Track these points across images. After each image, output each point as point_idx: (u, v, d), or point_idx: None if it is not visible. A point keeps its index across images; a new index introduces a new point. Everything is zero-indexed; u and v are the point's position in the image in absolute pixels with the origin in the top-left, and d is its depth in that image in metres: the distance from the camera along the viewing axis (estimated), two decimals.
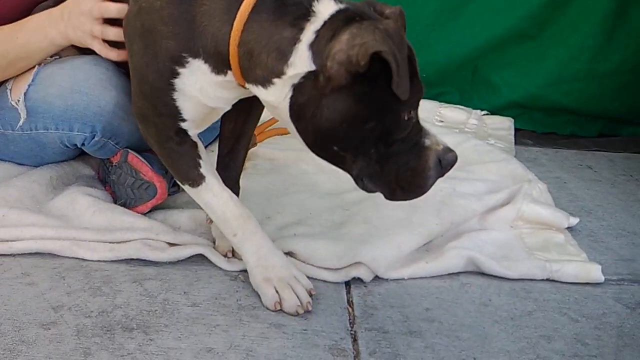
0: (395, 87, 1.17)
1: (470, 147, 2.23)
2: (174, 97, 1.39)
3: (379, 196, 1.82)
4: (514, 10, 2.64)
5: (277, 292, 1.41)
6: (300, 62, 1.24)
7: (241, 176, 1.93)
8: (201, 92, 1.38)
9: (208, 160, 1.51)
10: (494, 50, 2.72)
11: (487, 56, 2.74)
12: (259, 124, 2.26)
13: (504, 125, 2.68)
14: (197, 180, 1.47)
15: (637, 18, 2.62)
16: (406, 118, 1.27)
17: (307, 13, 1.26)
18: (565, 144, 2.66)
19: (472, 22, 2.67)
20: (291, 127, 1.33)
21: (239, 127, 1.66)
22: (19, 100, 1.63)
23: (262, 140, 2.22)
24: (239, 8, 1.28)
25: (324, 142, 1.30)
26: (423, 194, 1.34)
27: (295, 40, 1.24)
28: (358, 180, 1.36)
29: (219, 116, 1.54)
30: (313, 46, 1.23)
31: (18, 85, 1.66)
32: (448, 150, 1.32)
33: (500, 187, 1.94)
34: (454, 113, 2.70)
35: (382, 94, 1.21)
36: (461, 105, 2.79)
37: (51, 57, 1.72)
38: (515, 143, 2.56)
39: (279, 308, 1.40)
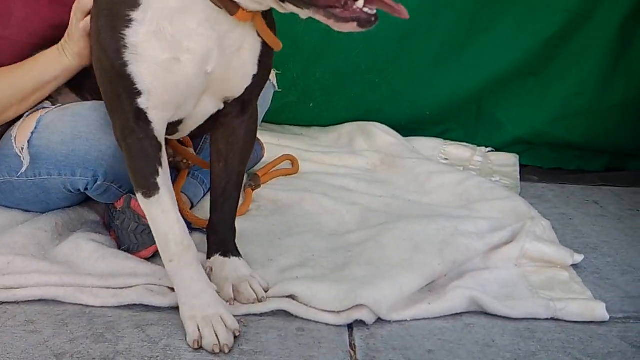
0: None
1: (473, 185, 2.23)
2: (126, 60, 1.36)
3: (381, 236, 1.85)
4: (516, 47, 2.65)
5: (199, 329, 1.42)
6: None
7: (245, 218, 1.96)
8: (157, 36, 1.34)
9: (167, 171, 1.47)
10: (497, 87, 2.74)
11: (490, 93, 2.75)
12: (262, 165, 2.32)
13: (509, 161, 2.69)
14: (150, 190, 1.44)
15: (639, 53, 2.63)
16: None
17: None
18: (571, 180, 2.65)
19: (475, 59, 2.69)
20: None
21: (230, 165, 1.64)
22: (22, 148, 1.67)
23: (266, 182, 2.24)
24: None
25: None
26: None
27: None
28: None
29: (190, 103, 1.48)
30: None
31: (22, 133, 1.70)
32: None
33: (504, 225, 1.94)
34: (459, 150, 2.71)
35: None
36: (466, 142, 2.81)
37: (52, 104, 1.77)
38: (521, 179, 2.56)
39: (197, 346, 1.40)
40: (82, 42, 1.63)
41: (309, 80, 2.71)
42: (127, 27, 1.35)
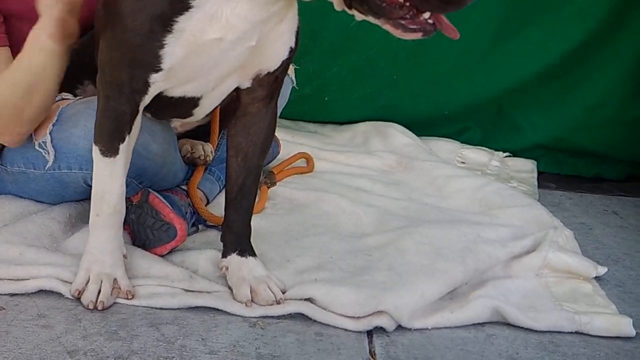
0: None
1: (493, 191, 2.19)
2: (164, 42, 1.33)
3: (401, 241, 1.80)
4: (543, 53, 2.62)
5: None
6: None
7: (260, 217, 1.92)
8: (212, 19, 1.32)
9: (134, 138, 1.48)
10: (520, 90, 2.71)
11: (512, 96, 2.73)
12: (277, 162, 2.28)
13: (527, 167, 2.65)
14: (110, 151, 1.44)
15: None
16: None
17: None
18: (589, 188, 2.62)
19: (499, 63, 2.66)
20: None
21: (249, 159, 1.60)
22: (44, 142, 1.62)
23: (281, 179, 2.20)
24: None
25: None
26: (465, 4, 1.26)
27: None
28: None
29: (212, 81, 1.47)
30: None
31: (42, 125, 1.65)
32: None
33: (525, 234, 1.90)
34: (476, 154, 2.67)
35: None
36: (484, 144, 2.77)
37: (74, 96, 1.73)
38: (539, 186, 2.52)
39: (77, 296, 1.46)
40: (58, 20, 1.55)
41: (325, 75, 2.68)
42: (181, 13, 1.32)
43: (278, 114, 1.81)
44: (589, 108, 2.65)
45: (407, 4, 1.26)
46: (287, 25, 1.47)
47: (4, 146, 1.73)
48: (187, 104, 1.56)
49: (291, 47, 1.51)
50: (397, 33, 1.30)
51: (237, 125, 1.61)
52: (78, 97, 1.72)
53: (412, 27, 1.28)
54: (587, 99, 2.65)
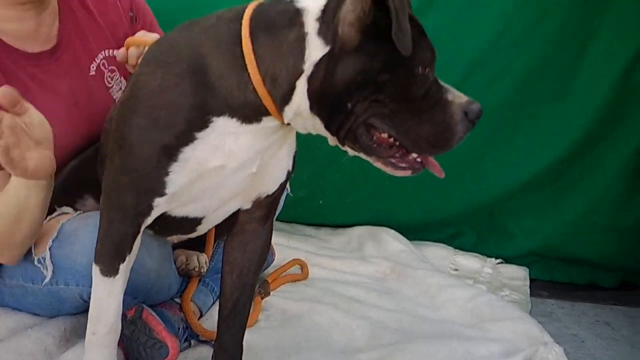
0: (394, 35, 1.19)
1: (484, 302, 2.21)
2: (169, 170, 1.37)
3: (392, 357, 1.81)
4: (532, 161, 2.69)
5: None
6: (315, 50, 1.27)
7: (253, 330, 1.93)
8: (215, 149, 1.37)
9: (133, 256, 1.49)
10: (509, 197, 2.76)
11: (503, 203, 2.78)
12: (272, 269, 2.31)
13: (519, 275, 2.68)
14: (110, 271, 1.45)
15: None
16: (421, 73, 1.27)
17: (296, 11, 1.30)
18: (582, 297, 2.63)
19: (489, 170, 2.72)
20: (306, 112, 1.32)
21: (244, 276, 1.62)
22: (44, 258, 1.66)
23: (275, 288, 2.23)
24: (242, 54, 1.31)
25: (333, 99, 1.29)
26: (450, 148, 1.32)
27: (302, 35, 1.28)
28: (358, 127, 1.30)
29: (215, 203, 1.50)
30: (321, 31, 1.27)
31: (42, 240, 1.68)
32: (472, 102, 1.31)
33: (516, 349, 1.91)
34: (469, 261, 2.71)
35: (391, 49, 1.22)
36: (477, 249, 2.81)
37: (75, 210, 1.78)
38: (531, 294, 2.54)
39: None
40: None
41: (319, 180, 2.73)
42: (186, 144, 1.37)
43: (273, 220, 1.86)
44: (579, 215, 2.70)
45: (397, 144, 1.32)
46: (286, 151, 1.53)
47: None
48: (190, 223, 1.58)
49: (289, 170, 1.56)
50: (388, 170, 1.35)
51: (234, 241, 1.64)
52: (78, 212, 1.77)
53: (401, 165, 1.33)
54: (578, 206, 2.70)
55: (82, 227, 1.67)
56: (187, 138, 1.37)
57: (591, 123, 2.61)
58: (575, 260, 2.75)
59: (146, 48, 1.63)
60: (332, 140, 1.38)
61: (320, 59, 1.27)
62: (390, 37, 1.21)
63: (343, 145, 1.37)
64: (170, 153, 1.37)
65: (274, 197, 1.58)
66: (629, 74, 2.54)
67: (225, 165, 1.41)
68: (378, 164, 1.35)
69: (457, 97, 1.30)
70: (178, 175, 1.39)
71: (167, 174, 1.38)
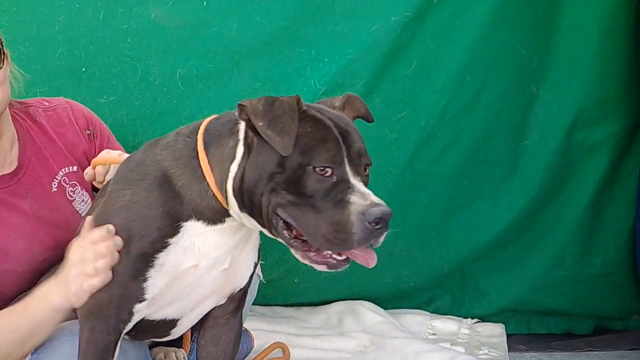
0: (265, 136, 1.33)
1: None
2: (147, 276, 1.47)
3: None
4: (492, 224, 2.79)
5: None
6: (239, 154, 1.42)
7: None
8: (186, 251, 1.48)
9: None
10: (477, 258, 2.85)
11: (472, 264, 2.86)
12: (253, 355, 2.36)
13: (496, 332, 2.74)
14: None
15: (612, 221, 2.76)
16: (317, 172, 1.35)
17: (235, 121, 1.45)
18: (558, 346, 2.70)
19: (453, 238, 2.81)
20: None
21: None
22: None
23: None
24: (199, 165, 1.46)
25: (248, 195, 1.40)
26: (349, 249, 1.35)
27: (237, 142, 1.43)
28: (272, 216, 1.39)
29: (191, 302, 1.58)
30: (246, 136, 1.42)
31: None
32: (374, 204, 1.33)
33: None
34: (445, 324, 2.77)
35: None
36: (454, 311, 2.88)
37: None
38: (509, 350, 2.60)
39: None
40: (80, 292, 1.54)
41: (291, 259, 2.76)
42: (161, 250, 1.48)
43: (248, 308, 1.94)
44: (545, 269, 2.78)
45: None
46: (252, 245, 1.64)
47: None
48: (166, 326, 1.66)
49: (255, 262, 1.67)
50: (307, 262, 1.42)
51: (206, 336, 1.72)
52: None
53: (317, 260, 1.41)
54: (543, 261, 2.79)
55: (57, 337, 1.70)
56: (160, 245, 1.49)
57: (544, 182, 2.73)
58: (550, 312, 2.83)
59: (111, 166, 1.78)
60: (268, 233, 1.47)
61: (240, 161, 1.41)
62: None
63: (275, 237, 1.46)
64: (146, 260, 1.48)
65: (244, 290, 1.68)
66: (572, 132, 2.68)
67: (199, 264, 1.52)
68: (298, 256, 1.43)
69: (360, 199, 1.35)
70: (156, 280, 1.50)
71: (145, 279, 1.49)
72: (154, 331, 1.70)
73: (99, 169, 1.86)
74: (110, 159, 1.85)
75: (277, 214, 1.39)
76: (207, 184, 1.46)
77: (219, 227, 1.50)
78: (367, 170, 1.45)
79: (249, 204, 1.42)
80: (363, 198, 1.35)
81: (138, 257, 1.48)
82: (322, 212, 1.35)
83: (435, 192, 2.73)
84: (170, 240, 1.48)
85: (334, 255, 1.40)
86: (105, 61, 2.45)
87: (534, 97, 2.68)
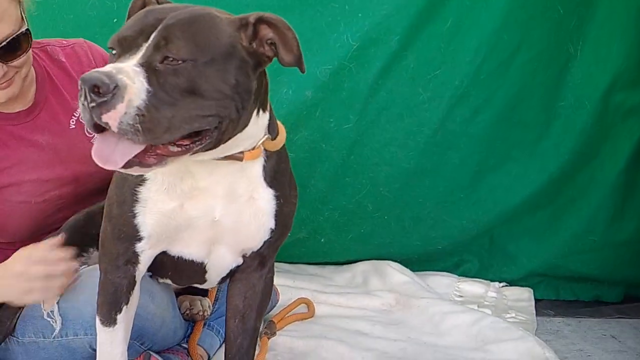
0: None
1: (487, 325, 2.25)
2: (135, 211, 1.48)
3: None
4: (524, 185, 2.75)
5: None
6: None
7: None
8: (167, 191, 1.47)
9: (133, 306, 1.58)
10: (507, 222, 2.81)
11: (501, 227, 2.83)
12: (278, 310, 2.36)
13: (524, 296, 2.71)
14: (109, 321, 1.55)
15: None
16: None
17: None
18: (588, 312, 2.66)
19: (483, 197, 2.77)
20: None
21: (247, 321, 1.68)
22: (52, 311, 1.73)
23: (282, 328, 2.27)
24: None
25: None
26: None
27: None
28: None
29: (197, 245, 1.56)
30: None
31: None
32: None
33: None
34: (473, 287, 2.75)
35: None
36: (481, 275, 2.85)
37: (80, 264, 1.86)
38: (537, 314, 2.57)
39: None
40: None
41: (318, 219, 2.77)
42: (141, 184, 1.49)
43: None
44: (576, 234, 2.75)
45: None
46: (263, 207, 1.55)
47: (17, 319, 1.84)
48: (197, 271, 1.63)
49: (271, 229, 1.58)
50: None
51: (233, 289, 1.70)
52: (84, 265, 1.85)
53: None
54: (574, 226, 2.75)
55: (85, 279, 1.74)
56: (140, 178, 1.48)
57: (578, 144, 2.68)
58: (578, 278, 2.79)
59: None
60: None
61: None
62: None
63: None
64: (132, 192, 1.49)
65: (262, 253, 1.63)
66: (609, 96, 2.62)
67: (183, 204, 1.49)
68: None
69: None
70: (145, 217, 1.49)
71: (134, 216, 1.49)
72: (189, 275, 1.68)
73: None
74: None
75: None
76: None
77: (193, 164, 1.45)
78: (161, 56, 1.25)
79: None
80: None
81: (128, 191, 1.49)
82: None
83: (466, 153, 2.69)
84: (146, 176, 1.48)
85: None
86: None
87: (572, 58, 2.62)
